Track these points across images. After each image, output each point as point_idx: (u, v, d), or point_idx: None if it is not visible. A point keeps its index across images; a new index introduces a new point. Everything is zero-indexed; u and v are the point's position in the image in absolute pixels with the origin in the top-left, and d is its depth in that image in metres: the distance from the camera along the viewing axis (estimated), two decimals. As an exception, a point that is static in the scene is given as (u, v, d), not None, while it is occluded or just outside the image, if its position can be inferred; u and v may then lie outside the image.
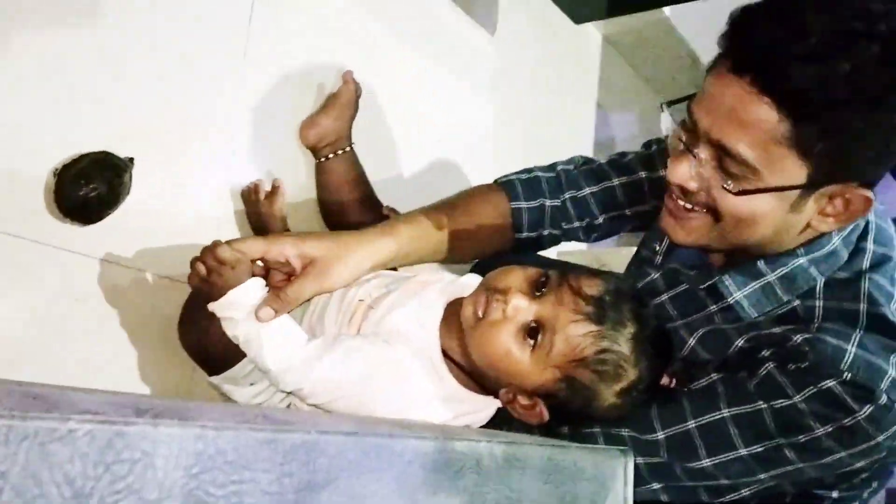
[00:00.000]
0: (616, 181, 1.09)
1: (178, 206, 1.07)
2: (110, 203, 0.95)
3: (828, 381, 0.76)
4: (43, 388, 0.38)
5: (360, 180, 1.22)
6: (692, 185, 0.80)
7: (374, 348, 0.84)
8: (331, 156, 1.20)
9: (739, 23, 0.75)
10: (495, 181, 1.11)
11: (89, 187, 0.92)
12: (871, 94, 0.71)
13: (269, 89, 1.18)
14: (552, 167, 1.13)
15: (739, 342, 0.85)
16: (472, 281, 0.94)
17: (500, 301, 0.81)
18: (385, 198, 1.25)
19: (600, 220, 1.10)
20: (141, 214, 1.02)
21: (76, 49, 0.95)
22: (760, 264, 0.84)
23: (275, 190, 1.14)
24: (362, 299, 0.93)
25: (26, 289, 0.93)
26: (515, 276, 0.84)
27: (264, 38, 1.17)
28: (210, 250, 0.88)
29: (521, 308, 0.81)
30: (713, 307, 0.89)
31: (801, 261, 0.83)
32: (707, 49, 2.08)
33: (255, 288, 0.86)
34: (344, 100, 1.21)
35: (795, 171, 0.75)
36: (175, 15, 1.06)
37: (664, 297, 0.94)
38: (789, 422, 0.78)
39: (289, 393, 0.88)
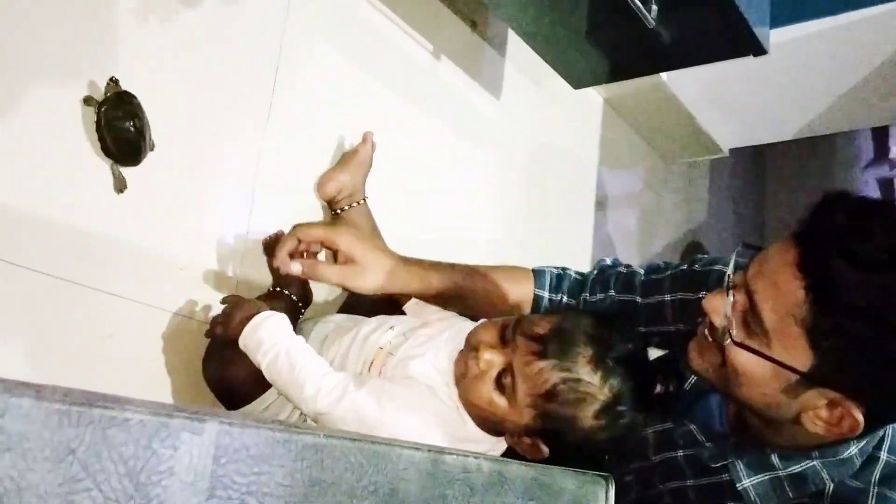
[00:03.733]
0: (640, 301, 1.07)
1: (204, 253, 1.16)
2: (145, 124, 1.04)
3: None
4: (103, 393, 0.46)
5: (372, 230, 1.31)
6: (716, 321, 0.82)
7: (405, 390, 0.93)
8: (346, 208, 1.29)
9: (823, 201, 0.78)
10: (533, 269, 1.15)
11: (131, 135, 1.02)
12: (892, 323, 0.71)
13: (290, 146, 1.28)
14: (583, 273, 1.17)
15: None
16: None
17: (475, 357, 0.91)
18: (394, 246, 1.34)
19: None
20: (168, 260, 1.11)
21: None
22: (774, 458, 0.85)
23: (293, 239, 1.24)
24: (382, 347, 1.02)
25: (57, 325, 1.00)
26: (486, 331, 0.93)
27: (288, 98, 1.27)
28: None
29: (492, 361, 0.90)
30: (724, 476, 0.90)
31: (814, 463, 0.83)
32: (703, 112, 2.19)
33: (276, 315, 0.96)
34: (361, 157, 1.31)
35: (801, 356, 0.75)
36: (203, 72, 1.16)
37: (679, 453, 0.96)
38: None
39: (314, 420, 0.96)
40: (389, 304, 1.25)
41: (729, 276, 0.83)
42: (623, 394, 0.88)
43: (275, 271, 1.22)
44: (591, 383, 0.86)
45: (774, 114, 2.15)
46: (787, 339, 0.76)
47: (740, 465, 0.88)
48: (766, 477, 0.86)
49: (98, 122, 1.02)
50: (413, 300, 1.24)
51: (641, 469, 1.00)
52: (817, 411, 0.78)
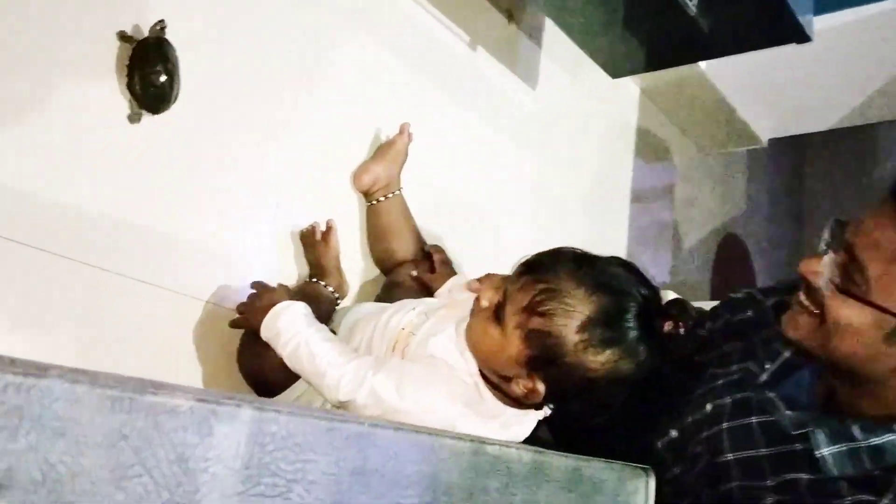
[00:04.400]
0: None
1: (242, 244, 1.17)
2: (176, 75, 1.04)
3: None
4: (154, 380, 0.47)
5: (407, 221, 1.31)
6: (815, 280, 0.85)
7: (422, 368, 0.93)
8: (381, 199, 1.29)
9: None
10: None
11: (159, 80, 1.01)
12: None
13: (327, 137, 1.29)
14: None
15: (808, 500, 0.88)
16: None
17: (478, 298, 0.93)
18: (429, 237, 1.35)
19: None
20: (209, 252, 1.12)
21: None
22: (855, 429, 0.86)
23: (329, 230, 1.24)
24: (404, 328, 1.02)
25: (95, 313, 1.02)
26: (495, 275, 0.96)
27: (324, 89, 1.28)
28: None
29: (491, 297, 0.91)
30: (798, 446, 0.91)
31: (895, 437, 0.84)
32: (741, 101, 2.15)
33: (295, 304, 0.97)
34: (397, 148, 1.31)
35: None
36: (239, 61, 1.17)
37: (753, 419, 0.97)
38: None
39: (338, 407, 0.97)
40: (422, 293, 1.25)
41: (825, 238, 0.87)
42: (611, 311, 0.85)
43: (311, 262, 1.23)
44: (573, 294, 0.85)
45: (815, 103, 2.11)
46: (890, 286, 0.79)
47: (820, 434, 0.88)
48: (846, 447, 0.87)
49: (131, 59, 1.01)
50: (445, 287, 1.24)
51: (711, 437, 0.99)
52: None
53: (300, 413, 0.51)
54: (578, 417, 0.95)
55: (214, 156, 1.13)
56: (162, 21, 1.04)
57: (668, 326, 0.87)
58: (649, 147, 2.11)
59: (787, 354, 0.99)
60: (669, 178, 2.25)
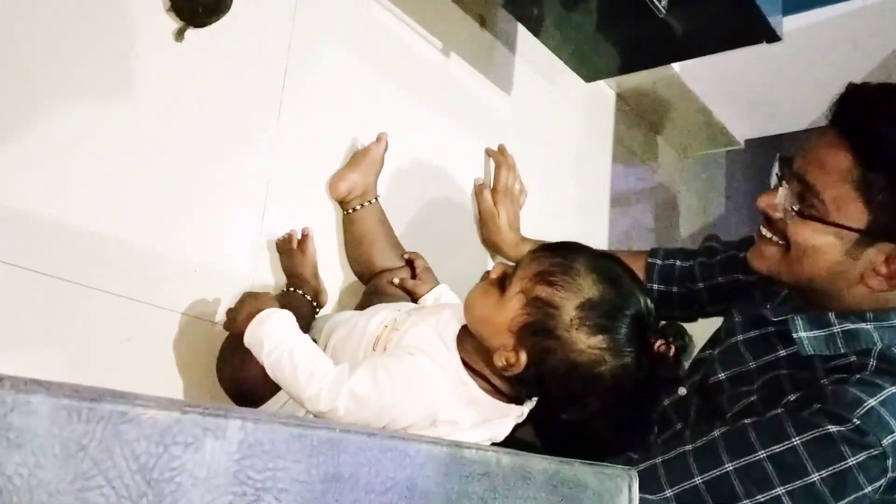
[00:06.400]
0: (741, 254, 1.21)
1: (218, 254, 1.16)
2: (218, 9, 1.11)
3: (832, 426, 0.83)
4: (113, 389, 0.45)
5: (385, 229, 1.30)
6: (774, 213, 0.94)
7: (398, 359, 0.92)
8: (358, 207, 1.28)
9: (849, 88, 0.90)
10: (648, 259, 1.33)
11: None
12: None
13: (301, 146, 1.28)
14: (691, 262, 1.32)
15: (791, 396, 0.92)
16: None
17: (487, 271, 0.95)
18: (407, 244, 1.34)
19: (721, 280, 1.24)
20: (182, 262, 1.11)
21: (112, 112, 1.05)
22: (831, 315, 0.94)
23: (304, 238, 1.23)
24: (387, 325, 1.01)
25: (75, 330, 1.01)
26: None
27: (298, 98, 1.27)
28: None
29: (501, 269, 0.93)
30: (781, 352, 0.98)
31: (868, 326, 0.93)
32: (717, 104, 2.16)
33: (280, 311, 0.96)
34: (372, 155, 1.30)
35: (858, 215, 0.86)
36: (212, 74, 1.16)
37: (739, 337, 1.05)
38: (786, 466, 0.84)
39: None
40: (405, 301, 1.24)
41: (776, 174, 0.94)
42: (612, 303, 0.86)
43: (288, 271, 1.22)
44: (584, 276, 0.87)
45: (789, 103, 2.12)
46: (843, 204, 0.86)
47: (800, 321, 0.96)
48: (822, 333, 0.94)
49: None
50: (431, 295, 1.23)
51: (704, 363, 1.07)
52: (877, 268, 0.88)
53: (268, 420, 0.50)
54: (554, 410, 0.95)
55: (188, 167, 1.12)
56: None
57: (659, 343, 0.88)
58: (627, 150, 2.12)
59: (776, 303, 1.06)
60: (648, 181, 2.25)
